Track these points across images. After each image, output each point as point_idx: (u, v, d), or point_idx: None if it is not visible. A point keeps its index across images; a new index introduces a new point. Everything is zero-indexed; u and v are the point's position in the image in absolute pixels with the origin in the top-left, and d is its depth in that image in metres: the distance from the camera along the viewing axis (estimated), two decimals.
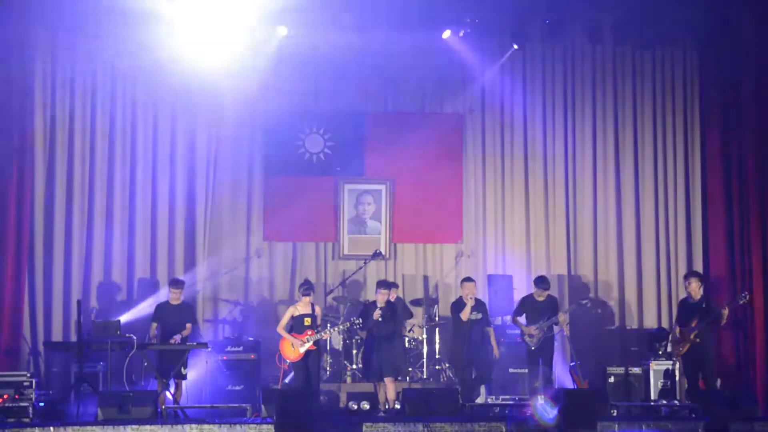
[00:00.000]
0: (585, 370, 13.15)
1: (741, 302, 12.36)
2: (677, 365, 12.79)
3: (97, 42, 13.73)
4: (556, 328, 12.56)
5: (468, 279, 12.52)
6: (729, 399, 11.44)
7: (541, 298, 12.59)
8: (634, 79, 14.52)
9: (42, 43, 13.54)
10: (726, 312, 12.07)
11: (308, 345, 11.62)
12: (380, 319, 11.74)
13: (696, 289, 12.23)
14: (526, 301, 12.74)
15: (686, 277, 12.55)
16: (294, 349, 11.65)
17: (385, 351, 11.78)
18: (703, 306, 12.16)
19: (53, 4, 13.49)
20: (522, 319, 12.64)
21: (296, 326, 11.74)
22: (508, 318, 13.45)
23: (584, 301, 13.16)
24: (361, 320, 11.97)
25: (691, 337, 12.03)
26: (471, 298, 12.16)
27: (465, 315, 12.13)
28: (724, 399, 11.51)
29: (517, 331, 13.05)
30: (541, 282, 12.65)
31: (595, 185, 14.46)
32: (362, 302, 13.27)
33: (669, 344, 12.54)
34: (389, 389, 11.79)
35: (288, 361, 11.77)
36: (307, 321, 11.71)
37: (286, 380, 12.12)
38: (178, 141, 14.01)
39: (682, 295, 12.83)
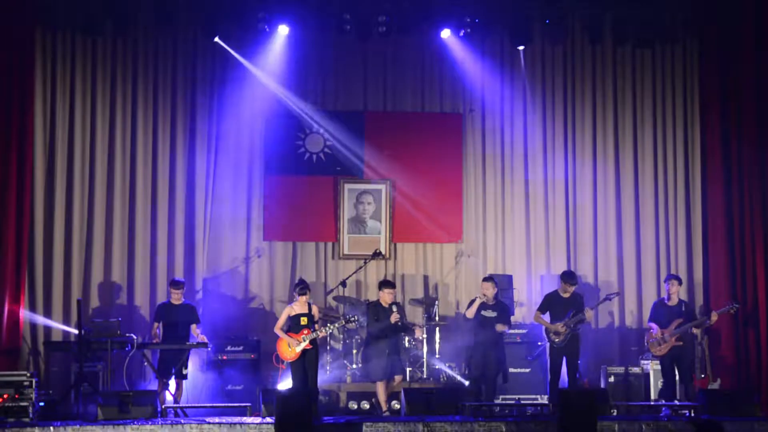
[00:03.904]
0: (585, 370, 13.17)
1: (731, 311, 12.47)
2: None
3: (97, 42, 13.78)
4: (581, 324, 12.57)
5: (484, 279, 12.61)
6: (728, 398, 11.47)
7: (566, 295, 12.53)
8: (634, 78, 14.51)
9: (42, 42, 13.56)
10: (715, 318, 12.18)
11: (304, 344, 11.61)
12: (399, 323, 11.85)
13: (676, 292, 12.35)
14: (551, 297, 12.70)
15: (669, 278, 12.60)
16: (290, 348, 11.66)
17: (399, 351, 11.94)
18: (682, 309, 12.26)
19: (54, 4, 13.54)
20: (546, 317, 12.64)
21: (293, 326, 11.73)
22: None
23: (612, 295, 13.12)
24: (356, 317, 12.00)
25: (673, 339, 12.09)
26: (480, 297, 12.24)
27: (470, 312, 12.24)
28: (723, 398, 11.54)
29: (516, 331, 13.07)
30: (570, 277, 12.57)
31: (595, 185, 14.45)
32: (364, 302, 13.26)
33: (646, 344, 12.53)
34: (388, 389, 11.84)
35: (285, 361, 11.78)
36: (304, 320, 11.69)
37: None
38: (178, 140, 14.02)
39: (682, 295, 12.85)
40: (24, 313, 12.95)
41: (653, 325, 12.39)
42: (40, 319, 13.24)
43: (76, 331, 12.05)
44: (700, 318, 12.42)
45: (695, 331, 12.47)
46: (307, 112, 14.29)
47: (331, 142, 14.30)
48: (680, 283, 12.59)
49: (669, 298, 12.41)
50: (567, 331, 12.33)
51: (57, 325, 13.20)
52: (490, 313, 12.23)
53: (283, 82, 14.22)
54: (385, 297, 11.95)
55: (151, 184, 13.90)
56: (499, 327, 12.20)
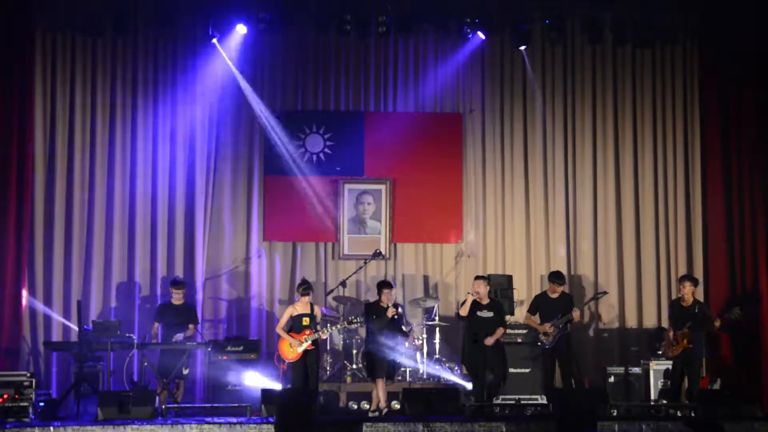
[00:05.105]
0: (585, 369, 13.17)
1: (733, 317, 12.27)
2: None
3: (97, 42, 13.78)
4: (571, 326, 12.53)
5: (476, 277, 12.45)
6: (728, 398, 11.48)
7: (555, 295, 12.54)
8: (634, 78, 14.50)
9: (42, 42, 13.56)
10: (718, 324, 12.14)
11: (306, 345, 11.63)
12: (396, 317, 11.77)
13: (689, 293, 12.29)
14: (540, 298, 12.71)
15: (681, 279, 12.57)
16: (292, 348, 11.66)
17: (394, 351, 11.80)
18: (696, 311, 12.24)
19: (54, 4, 13.55)
20: (536, 318, 12.63)
21: (295, 326, 11.75)
22: (508, 317, 13.44)
23: (600, 295, 13.13)
24: (359, 318, 11.99)
25: (685, 342, 12.07)
26: (471, 294, 12.03)
27: (463, 310, 12.04)
28: (723, 398, 11.54)
29: (516, 331, 13.06)
30: (557, 277, 12.59)
31: (595, 185, 14.45)
32: (364, 302, 13.27)
33: (662, 344, 12.53)
34: (384, 389, 11.82)
35: (287, 361, 11.78)
36: (306, 321, 11.71)
37: None
38: (178, 141, 14.02)
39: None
40: (27, 299, 12.99)
41: (670, 326, 12.40)
42: (40, 306, 13.24)
43: (76, 328, 12.06)
44: (707, 324, 12.34)
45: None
46: (307, 112, 14.30)
47: (331, 142, 14.31)
48: (694, 284, 12.42)
49: (683, 299, 12.38)
50: (556, 331, 12.32)
51: (57, 317, 13.22)
52: (485, 314, 12.03)
53: (284, 82, 14.26)
54: (383, 297, 11.92)
55: (151, 184, 13.90)
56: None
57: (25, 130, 13.11)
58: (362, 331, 12.72)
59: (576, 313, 12.37)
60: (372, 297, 13.38)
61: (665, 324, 13.68)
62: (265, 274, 14.14)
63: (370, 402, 12.14)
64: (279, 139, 14.17)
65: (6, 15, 12.97)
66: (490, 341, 11.92)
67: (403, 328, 12.29)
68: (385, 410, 11.68)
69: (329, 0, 13.86)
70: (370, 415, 11.66)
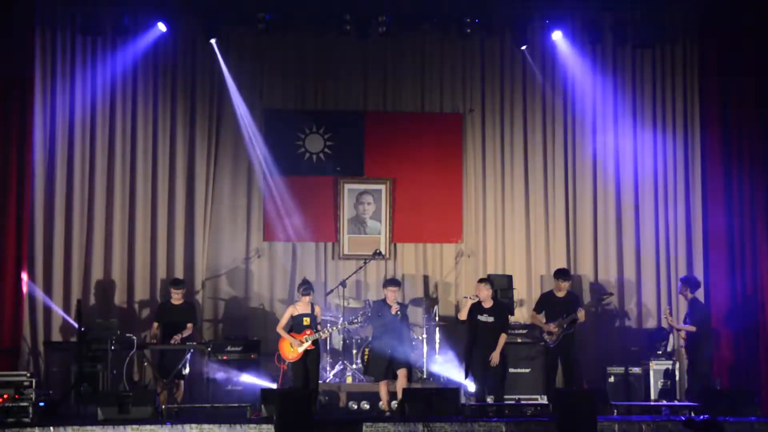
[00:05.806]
0: (585, 369, 13.17)
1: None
2: (677, 365, 12.88)
3: (97, 41, 13.78)
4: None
5: (478, 280, 12.29)
6: (728, 398, 11.48)
7: (561, 294, 12.54)
8: (634, 78, 14.50)
9: (42, 42, 13.56)
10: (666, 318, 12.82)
11: (307, 344, 11.63)
12: (398, 314, 11.74)
13: (685, 293, 12.58)
14: (546, 297, 12.71)
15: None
16: (293, 348, 11.67)
17: (400, 347, 11.74)
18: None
19: (54, 4, 13.55)
20: (542, 317, 12.62)
21: (295, 326, 11.76)
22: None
23: (605, 297, 13.14)
24: (359, 318, 11.98)
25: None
26: (471, 298, 11.93)
27: (462, 314, 11.97)
28: (723, 398, 11.54)
29: (516, 331, 13.05)
30: (563, 274, 12.60)
31: (595, 185, 14.44)
32: (365, 301, 13.29)
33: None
34: (402, 382, 11.72)
35: (287, 360, 11.79)
36: (306, 321, 11.72)
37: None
38: (178, 140, 14.02)
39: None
40: (27, 285, 13.00)
41: None
42: (40, 294, 13.22)
43: (77, 326, 12.05)
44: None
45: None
46: (307, 112, 14.30)
47: (331, 142, 14.31)
48: (685, 286, 12.72)
49: (686, 298, 12.74)
50: (560, 331, 12.32)
51: (57, 309, 13.23)
52: (486, 318, 11.81)
53: (284, 82, 14.26)
54: (388, 295, 11.92)
55: (151, 185, 13.90)
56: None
57: (25, 130, 13.10)
58: (363, 331, 12.71)
59: (581, 313, 12.37)
60: (372, 297, 13.39)
61: (665, 324, 13.71)
62: (265, 274, 14.14)
63: (369, 402, 12.14)
64: (279, 139, 14.17)
65: (6, 14, 12.96)
66: (495, 359, 11.73)
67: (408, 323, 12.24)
68: (387, 412, 11.67)
69: (329, 0, 13.84)
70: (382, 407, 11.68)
